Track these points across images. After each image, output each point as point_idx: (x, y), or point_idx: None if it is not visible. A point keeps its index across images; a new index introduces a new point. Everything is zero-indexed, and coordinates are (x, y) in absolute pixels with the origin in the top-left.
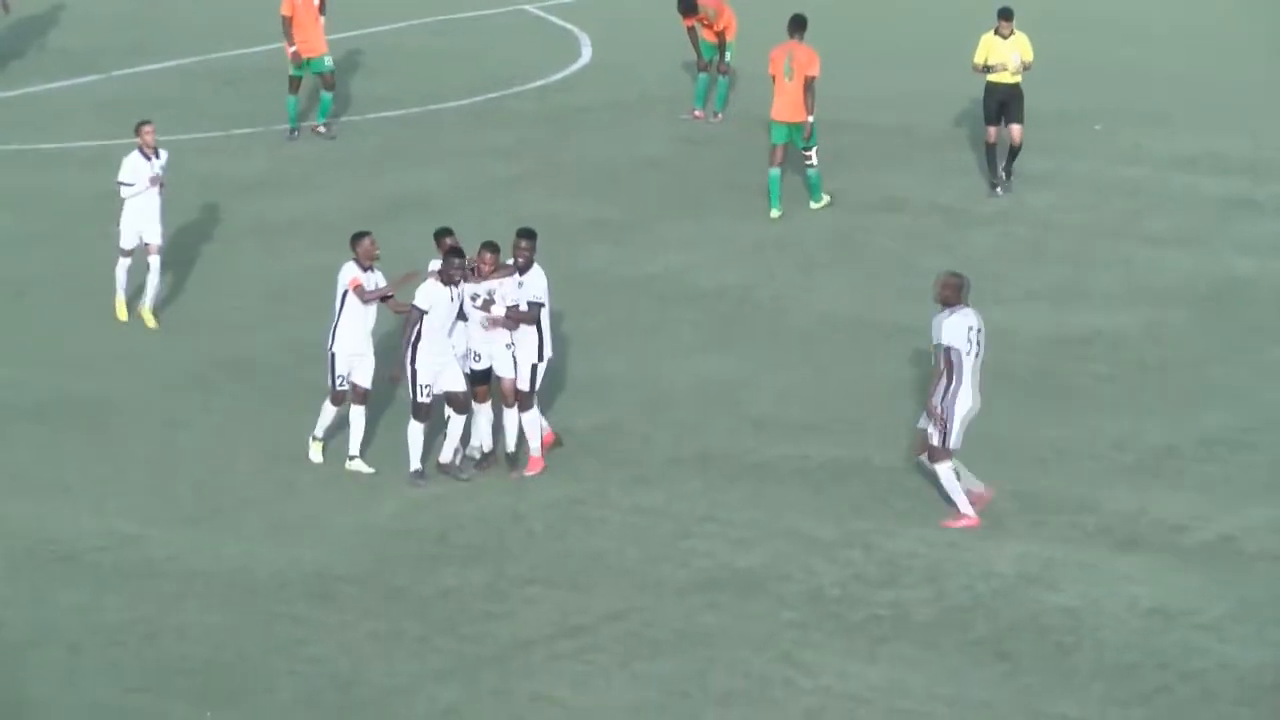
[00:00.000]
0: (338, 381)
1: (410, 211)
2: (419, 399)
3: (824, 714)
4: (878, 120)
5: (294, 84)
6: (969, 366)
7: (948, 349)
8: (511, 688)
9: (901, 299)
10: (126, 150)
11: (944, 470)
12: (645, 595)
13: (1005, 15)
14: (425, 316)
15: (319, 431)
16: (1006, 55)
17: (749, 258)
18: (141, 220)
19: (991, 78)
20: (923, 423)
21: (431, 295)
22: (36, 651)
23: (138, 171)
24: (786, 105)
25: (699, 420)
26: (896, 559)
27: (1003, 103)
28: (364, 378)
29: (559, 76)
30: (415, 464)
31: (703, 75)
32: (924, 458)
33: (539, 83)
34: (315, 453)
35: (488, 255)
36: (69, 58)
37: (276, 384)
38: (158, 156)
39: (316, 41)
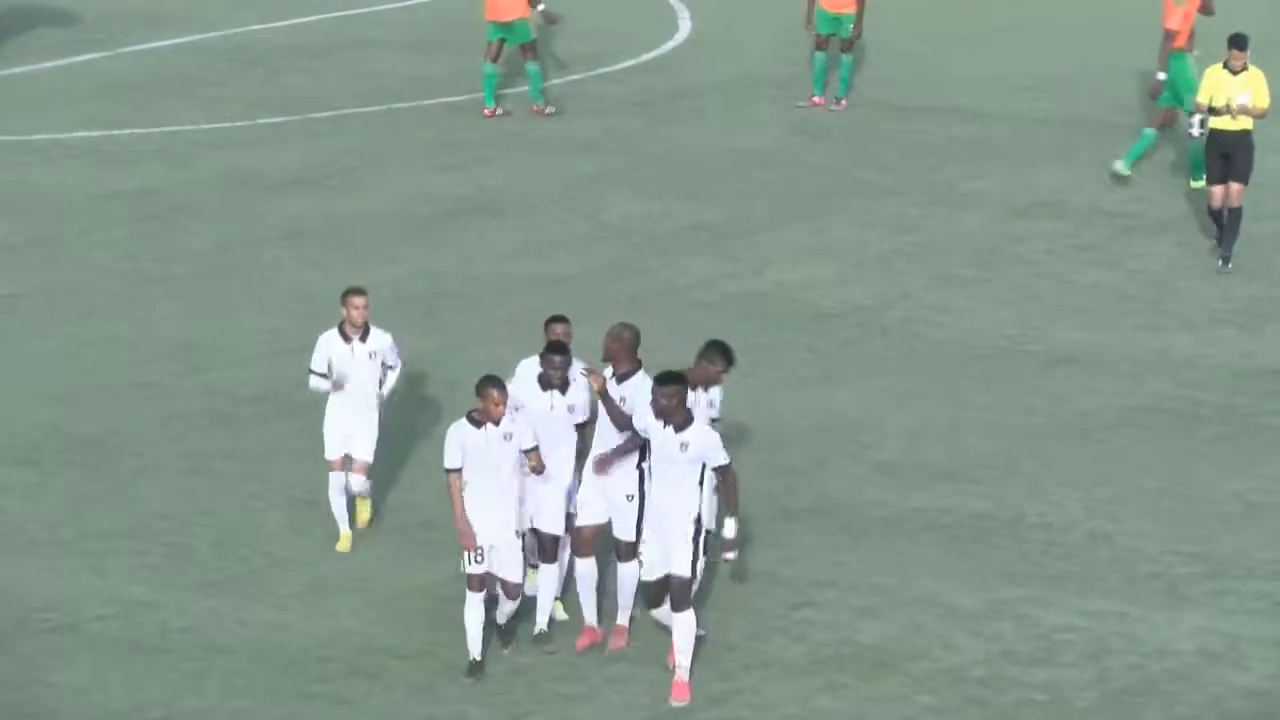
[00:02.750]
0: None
1: (473, 215)
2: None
3: None
4: (1029, 108)
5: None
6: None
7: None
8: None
9: (1059, 322)
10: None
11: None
12: (752, 675)
13: (1237, 44)
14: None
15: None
16: (1234, 96)
17: (876, 271)
18: (349, 424)
19: (1215, 123)
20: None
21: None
22: None
23: (335, 359)
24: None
25: (816, 465)
26: (1052, 633)
27: (1226, 155)
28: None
29: (652, 55)
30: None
31: (819, 54)
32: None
33: (628, 62)
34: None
35: (494, 393)
36: (67, 31)
37: (314, 422)
38: (364, 340)
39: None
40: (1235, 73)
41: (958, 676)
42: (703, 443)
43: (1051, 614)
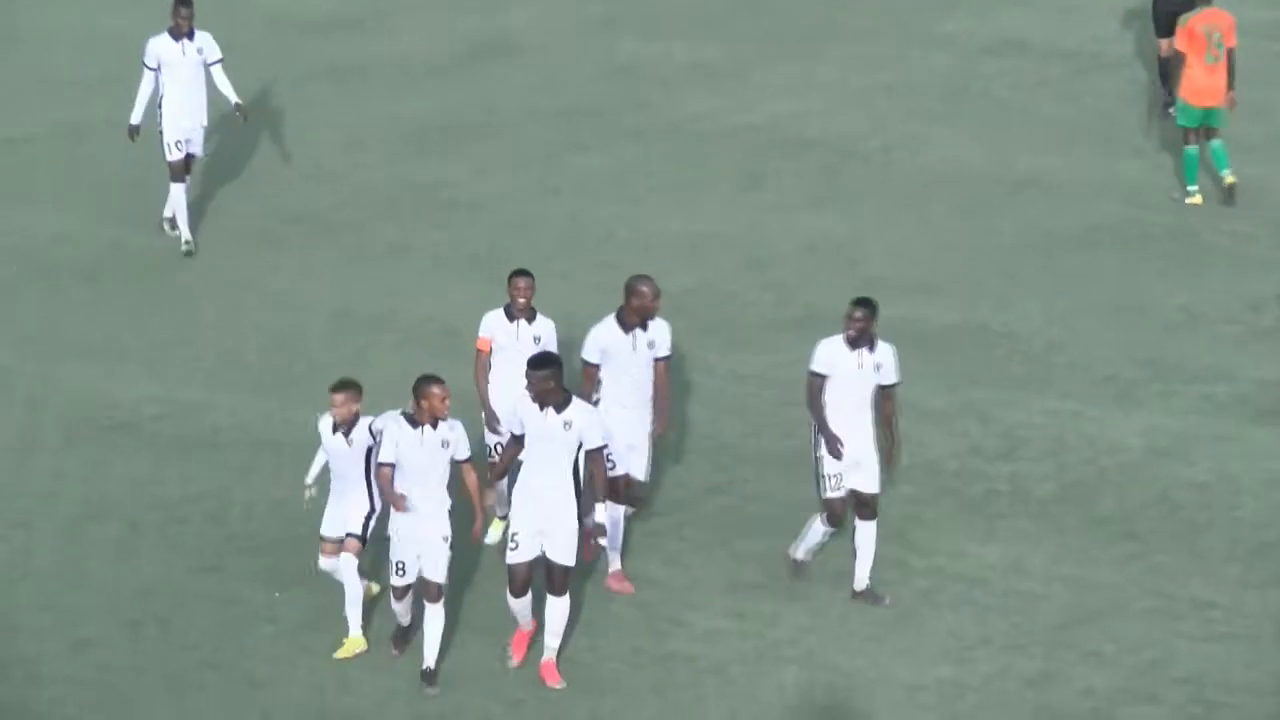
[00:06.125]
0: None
1: (495, 54)
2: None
3: (938, 595)
4: None
5: None
6: None
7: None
8: (602, 567)
9: (1022, 150)
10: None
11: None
12: (746, 468)
13: None
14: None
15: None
16: None
17: (857, 106)
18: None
19: None
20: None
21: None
22: (92, 527)
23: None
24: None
25: (803, 280)
26: (1015, 430)
27: (1174, 13)
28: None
29: None
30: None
31: None
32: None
33: None
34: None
35: (435, 389)
36: None
37: (352, 240)
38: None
39: None
40: None
41: (932, 469)
42: (584, 421)
43: (1015, 413)
